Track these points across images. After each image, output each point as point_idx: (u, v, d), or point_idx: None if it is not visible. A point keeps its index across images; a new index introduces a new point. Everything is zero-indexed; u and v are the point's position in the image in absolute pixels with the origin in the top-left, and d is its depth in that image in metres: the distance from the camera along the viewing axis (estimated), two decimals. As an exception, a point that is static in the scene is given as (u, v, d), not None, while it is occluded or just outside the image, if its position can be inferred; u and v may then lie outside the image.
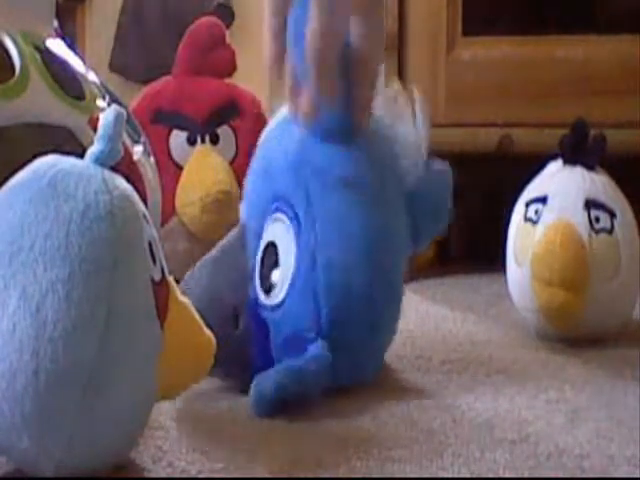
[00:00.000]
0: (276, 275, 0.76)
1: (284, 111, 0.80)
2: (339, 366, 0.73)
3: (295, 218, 0.76)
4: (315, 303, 0.74)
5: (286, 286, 0.75)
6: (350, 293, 0.74)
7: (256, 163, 0.82)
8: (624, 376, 0.84)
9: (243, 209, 0.81)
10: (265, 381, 0.71)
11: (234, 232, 0.80)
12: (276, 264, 0.76)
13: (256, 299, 0.76)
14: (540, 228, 0.95)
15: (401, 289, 0.79)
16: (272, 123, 0.83)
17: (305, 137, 0.77)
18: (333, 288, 0.74)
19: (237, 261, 0.78)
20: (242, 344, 0.75)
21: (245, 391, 0.73)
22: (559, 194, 0.96)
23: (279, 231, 0.76)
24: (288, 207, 0.76)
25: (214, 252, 0.80)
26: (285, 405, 0.70)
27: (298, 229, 0.75)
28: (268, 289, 0.76)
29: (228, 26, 2.52)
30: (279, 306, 0.75)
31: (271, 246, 0.76)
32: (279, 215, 0.77)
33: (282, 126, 0.80)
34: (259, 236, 0.78)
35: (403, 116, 0.81)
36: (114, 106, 0.60)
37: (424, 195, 0.80)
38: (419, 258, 1.45)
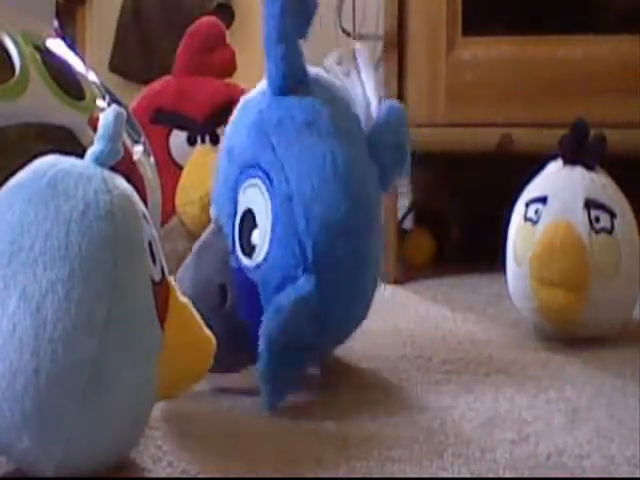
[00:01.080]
0: (256, 235, 0.77)
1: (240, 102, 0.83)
2: (326, 302, 0.74)
3: (266, 176, 0.77)
4: (298, 242, 0.74)
5: (267, 240, 0.76)
6: (331, 224, 0.75)
7: (219, 158, 0.84)
8: (624, 376, 0.84)
9: (213, 205, 0.83)
10: (260, 353, 0.71)
11: (209, 228, 0.82)
12: (254, 226, 0.77)
13: (240, 266, 0.77)
14: (540, 228, 0.95)
15: (380, 224, 0.80)
16: (232, 117, 0.85)
17: (262, 106, 0.79)
18: (314, 222, 0.75)
19: (217, 247, 0.79)
20: (231, 317, 0.76)
21: (244, 392, 0.72)
22: (559, 194, 0.96)
23: (252, 196, 0.78)
24: (258, 170, 0.78)
25: (195, 248, 0.81)
26: (286, 357, 0.71)
27: (270, 184, 0.76)
28: (250, 252, 0.77)
29: (228, 26, 2.51)
30: (264, 261, 0.76)
31: (248, 213, 0.78)
32: (250, 180, 0.78)
33: (239, 113, 0.83)
34: (233, 216, 0.79)
35: (349, 73, 0.83)
36: (114, 106, 0.60)
37: (380, 136, 0.81)
38: (419, 258, 1.45)
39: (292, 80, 0.78)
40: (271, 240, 0.75)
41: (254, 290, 0.76)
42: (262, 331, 0.72)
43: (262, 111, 0.79)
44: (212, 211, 0.83)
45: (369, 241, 0.78)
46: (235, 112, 0.84)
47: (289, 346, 0.71)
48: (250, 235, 0.77)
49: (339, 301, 0.76)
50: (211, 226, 0.82)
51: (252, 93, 0.82)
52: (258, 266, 0.76)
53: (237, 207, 0.79)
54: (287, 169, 0.76)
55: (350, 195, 0.76)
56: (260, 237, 0.76)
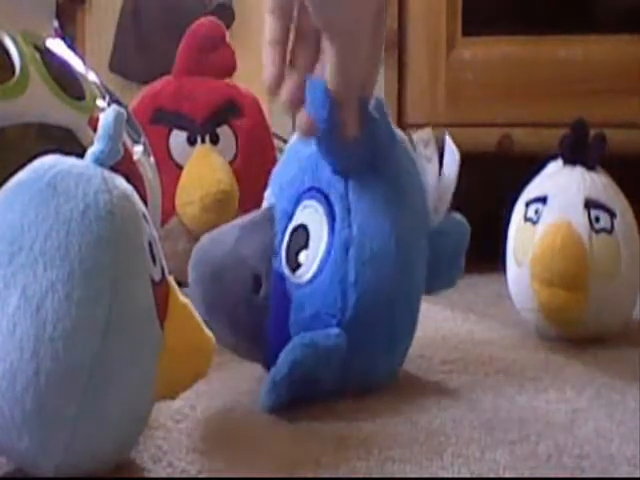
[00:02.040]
0: (304, 256, 0.76)
1: None
2: (353, 360, 0.74)
3: (330, 209, 0.76)
4: (343, 293, 0.74)
5: (315, 267, 0.75)
6: (377, 292, 0.75)
7: (291, 153, 0.81)
8: (624, 376, 0.84)
9: (270, 193, 0.81)
10: (279, 363, 0.71)
11: (261, 210, 0.80)
12: (305, 246, 0.76)
13: (282, 273, 0.76)
14: (540, 228, 0.95)
15: (419, 306, 0.80)
16: None
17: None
18: (362, 282, 0.74)
19: (264, 233, 0.78)
20: (260, 311, 0.75)
21: (244, 392, 0.73)
22: (559, 194, 0.96)
23: (311, 216, 0.76)
24: (324, 197, 0.77)
25: (241, 221, 0.80)
26: (299, 387, 0.71)
27: (332, 219, 0.75)
28: (294, 267, 0.76)
29: (228, 26, 2.51)
30: (305, 285, 0.75)
31: (301, 228, 0.77)
32: (313, 202, 0.77)
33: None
34: (289, 216, 0.78)
35: (432, 160, 0.81)
36: (114, 106, 0.60)
37: (442, 239, 0.81)
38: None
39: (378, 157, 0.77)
40: (318, 271, 0.75)
41: (287, 302, 0.75)
42: (288, 351, 0.71)
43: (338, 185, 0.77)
44: (267, 196, 0.81)
45: (407, 314, 0.78)
46: None
47: (307, 378, 0.71)
48: (299, 252, 0.76)
49: (364, 362, 0.76)
50: (263, 210, 0.80)
51: None
52: (298, 286, 0.75)
53: (294, 212, 0.78)
54: (353, 217, 0.75)
55: (403, 272, 0.76)
56: (308, 260, 0.75)
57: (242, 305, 0.74)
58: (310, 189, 0.77)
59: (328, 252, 0.75)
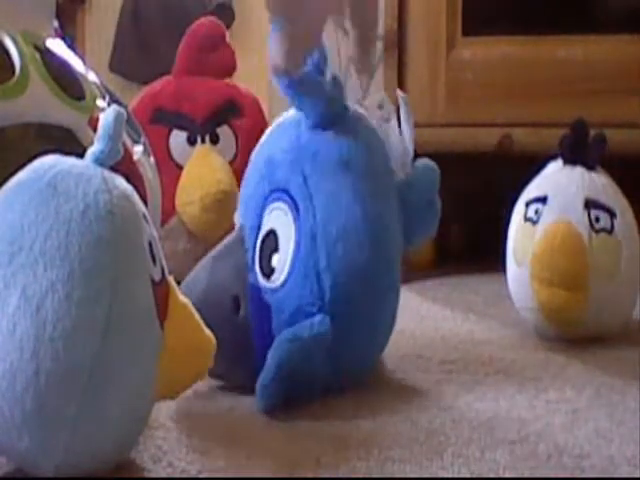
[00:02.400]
0: (276, 259, 0.76)
1: (282, 115, 0.83)
2: (341, 345, 0.74)
3: (293, 204, 0.77)
4: (317, 281, 0.74)
5: (287, 268, 0.75)
6: (351, 269, 0.75)
7: (251, 166, 0.83)
8: (624, 376, 0.84)
9: (239, 212, 0.82)
10: (267, 365, 0.71)
11: (232, 234, 0.81)
12: (276, 249, 0.77)
13: (257, 284, 0.77)
14: (540, 228, 0.95)
15: (399, 275, 0.80)
16: (270, 128, 0.84)
17: (300, 131, 0.79)
18: (335, 262, 0.74)
19: (236, 257, 0.79)
20: (244, 329, 0.75)
21: (244, 393, 0.73)
22: (559, 194, 0.96)
23: (278, 219, 0.77)
24: (286, 195, 0.77)
25: (213, 252, 0.81)
26: (290, 384, 0.70)
27: (297, 213, 0.76)
28: (269, 273, 0.76)
29: (228, 26, 2.52)
30: (281, 287, 0.75)
31: (271, 234, 0.77)
32: (278, 204, 0.78)
33: (277, 129, 0.82)
34: (256, 230, 0.79)
35: (389, 120, 0.82)
36: (114, 106, 0.60)
37: (413, 191, 0.81)
38: (419, 258, 1.45)
39: (332, 116, 0.78)
40: (291, 269, 0.75)
41: (266, 311, 0.75)
42: (273, 351, 0.71)
43: (300, 138, 0.79)
44: (236, 218, 0.83)
45: (387, 289, 0.78)
46: (272, 129, 0.83)
47: (296, 375, 0.71)
48: (271, 257, 0.77)
49: (352, 344, 0.76)
50: (234, 233, 0.81)
51: (290, 116, 0.82)
52: (274, 290, 0.76)
53: (262, 222, 0.79)
54: (315, 202, 0.76)
55: (374, 242, 0.76)
56: (280, 262, 0.76)
57: (225, 328, 0.73)
58: (271, 192, 0.78)
59: (297, 247, 0.75)
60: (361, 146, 0.78)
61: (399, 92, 0.85)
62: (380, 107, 0.83)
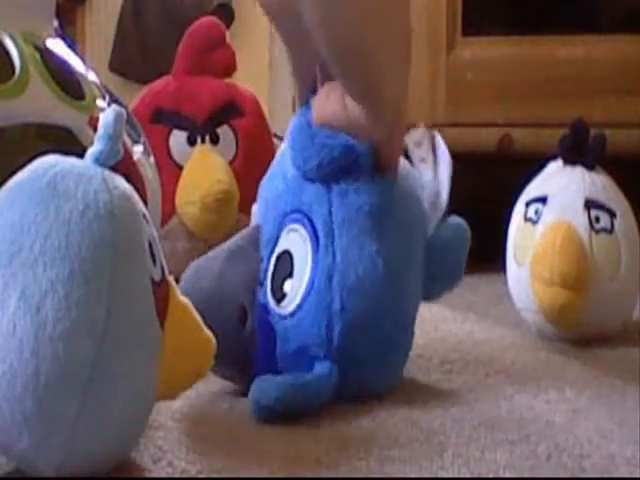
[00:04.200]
0: (289, 285, 0.74)
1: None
2: (345, 388, 0.73)
3: (314, 234, 0.74)
4: (328, 322, 0.72)
5: (299, 298, 0.73)
6: (364, 319, 0.73)
7: (279, 165, 0.79)
8: (624, 376, 0.84)
9: (257, 210, 0.80)
10: (267, 389, 0.70)
11: (247, 231, 0.79)
12: (290, 274, 0.74)
13: (266, 305, 0.74)
14: (540, 228, 0.96)
15: (413, 328, 0.78)
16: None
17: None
18: (348, 311, 0.72)
19: (249, 260, 0.76)
20: (247, 345, 0.74)
21: (244, 394, 0.73)
22: (559, 194, 0.96)
23: (296, 242, 0.75)
24: (308, 221, 0.75)
25: (226, 247, 0.78)
26: (284, 414, 0.70)
27: (316, 245, 0.74)
28: (280, 298, 0.74)
29: (228, 26, 2.51)
30: (290, 316, 0.73)
31: (286, 254, 0.75)
32: (298, 226, 0.75)
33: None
34: (274, 241, 0.76)
35: (426, 160, 0.80)
36: (114, 106, 0.60)
37: (441, 245, 0.79)
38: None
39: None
40: (302, 302, 0.73)
41: (272, 336, 0.74)
42: (277, 385, 0.70)
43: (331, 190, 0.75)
44: (253, 213, 0.80)
45: (399, 340, 0.77)
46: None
47: (292, 406, 0.70)
48: (283, 281, 0.74)
49: (356, 386, 0.74)
50: (249, 231, 0.78)
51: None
52: (283, 317, 0.74)
53: (279, 236, 0.76)
54: (337, 243, 0.73)
55: (392, 298, 0.74)
56: (293, 291, 0.74)
57: (230, 338, 0.71)
58: (293, 211, 0.75)
59: (312, 281, 0.73)
60: (393, 194, 0.76)
61: (435, 132, 0.83)
62: (418, 145, 0.81)
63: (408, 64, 0.75)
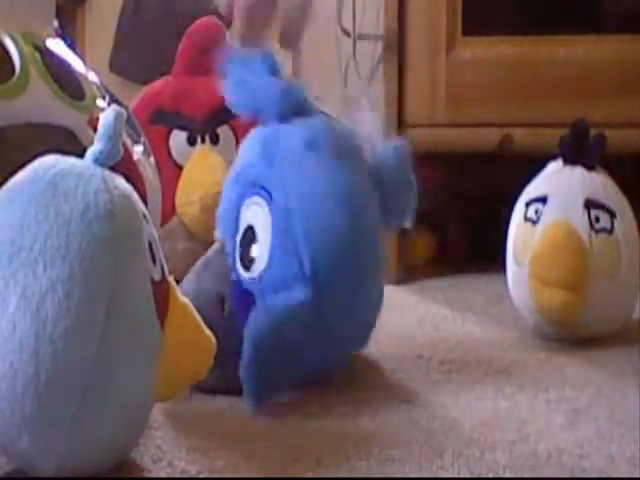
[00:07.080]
0: (255, 249, 0.78)
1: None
2: (326, 318, 0.74)
3: (267, 192, 0.78)
4: (296, 257, 0.75)
5: (266, 254, 0.77)
6: (329, 239, 0.75)
7: (225, 186, 0.85)
8: (624, 376, 0.84)
9: (219, 230, 0.84)
10: (243, 356, 0.71)
11: (213, 247, 0.83)
12: (254, 240, 0.78)
13: (239, 279, 0.78)
14: (540, 228, 0.95)
15: (383, 249, 0.80)
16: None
17: (266, 130, 0.82)
18: (312, 237, 0.75)
19: (218, 263, 0.80)
20: (230, 326, 0.75)
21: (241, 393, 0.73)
22: (559, 194, 0.96)
23: (254, 213, 0.79)
24: (260, 188, 0.79)
25: (197, 265, 0.82)
26: (273, 365, 0.71)
27: (270, 199, 0.78)
28: (249, 264, 0.78)
29: (228, 26, 2.51)
30: (263, 272, 0.77)
31: (249, 229, 0.79)
32: (253, 198, 0.79)
33: (243, 147, 0.85)
34: (234, 233, 0.80)
35: (354, 111, 0.84)
36: (114, 106, 0.60)
37: (385, 165, 0.83)
38: (419, 258, 1.45)
39: (295, 108, 0.81)
40: (270, 253, 0.76)
41: (252, 302, 0.76)
42: (248, 329, 0.72)
43: (267, 134, 0.81)
44: (217, 233, 0.84)
45: (370, 257, 0.78)
46: (240, 149, 0.86)
47: (275, 349, 0.71)
48: (250, 249, 0.78)
49: (337, 316, 0.76)
50: (215, 244, 0.83)
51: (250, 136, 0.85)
52: (256, 278, 0.77)
53: (239, 225, 0.80)
54: (288, 185, 0.77)
55: (349, 212, 0.76)
56: (259, 250, 0.77)
57: (213, 327, 0.73)
58: (246, 191, 0.80)
59: (274, 230, 0.76)
60: (325, 129, 0.80)
61: (361, 97, 0.89)
62: (348, 101, 0.85)
63: None
